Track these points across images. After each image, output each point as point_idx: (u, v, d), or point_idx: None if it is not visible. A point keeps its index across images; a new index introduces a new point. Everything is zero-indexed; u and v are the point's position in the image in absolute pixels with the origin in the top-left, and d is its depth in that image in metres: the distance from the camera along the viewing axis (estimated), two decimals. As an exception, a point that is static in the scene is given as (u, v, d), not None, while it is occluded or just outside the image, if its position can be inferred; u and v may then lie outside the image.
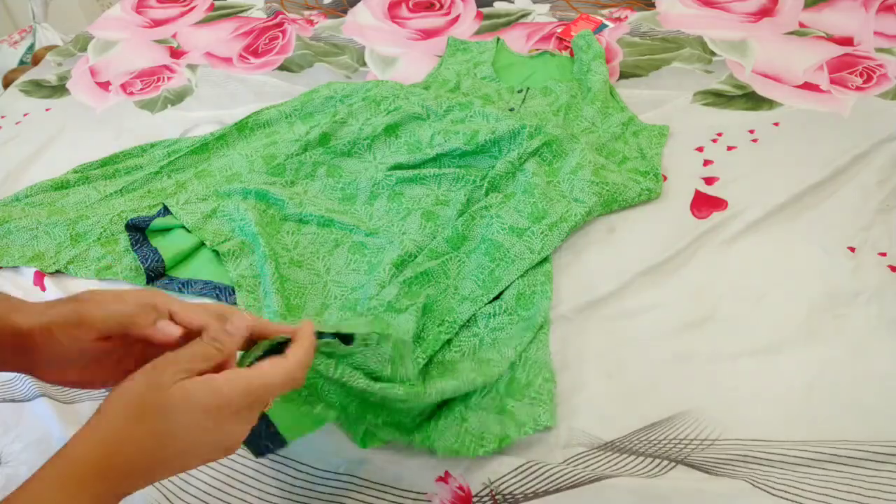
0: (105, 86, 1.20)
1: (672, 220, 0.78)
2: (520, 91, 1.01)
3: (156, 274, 0.76)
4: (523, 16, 1.25)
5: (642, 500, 0.52)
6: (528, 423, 0.57)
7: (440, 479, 0.55)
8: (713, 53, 1.07)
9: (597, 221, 0.79)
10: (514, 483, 0.54)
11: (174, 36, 1.34)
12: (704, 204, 0.79)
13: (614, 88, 1.00)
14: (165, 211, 0.82)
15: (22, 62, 1.66)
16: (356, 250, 0.77)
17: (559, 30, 1.18)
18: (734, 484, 0.53)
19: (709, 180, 0.83)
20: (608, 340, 0.66)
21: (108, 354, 0.41)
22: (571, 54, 1.09)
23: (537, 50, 1.14)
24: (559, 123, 0.91)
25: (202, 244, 0.79)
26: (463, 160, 0.87)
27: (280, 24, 1.31)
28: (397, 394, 0.50)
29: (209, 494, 0.56)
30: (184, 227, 0.80)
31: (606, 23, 1.19)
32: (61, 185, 0.91)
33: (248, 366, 0.40)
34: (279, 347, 0.41)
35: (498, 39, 1.15)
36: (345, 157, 0.91)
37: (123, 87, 1.19)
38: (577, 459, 0.56)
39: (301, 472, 0.57)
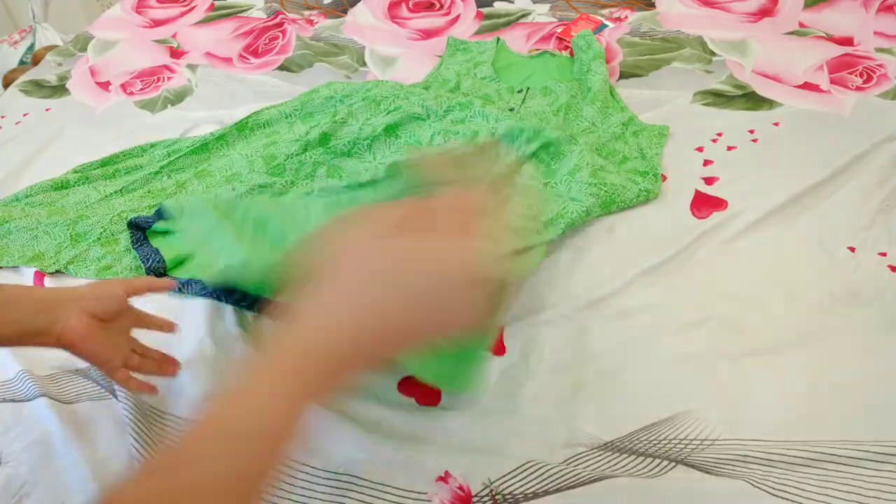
0: (105, 86, 1.20)
1: (672, 220, 0.78)
2: (520, 91, 1.01)
3: (157, 274, 0.76)
4: (523, 16, 1.25)
5: (642, 500, 0.52)
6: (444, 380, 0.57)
7: (440, 479, 0.55)
8: (713, 53, 1.07)
9: (597, 221, 0.79)
10: (515, 483, 0.54)
11: (174, 36, 1.34)
12: (704, 204, 0.79)
13: (614, 88, 1.00)
14: (158, 216, 0.81)
15: (22, 62, 1.66)
16: None
17: (559, 30, 1.18)
18: (734, 484, 0.53)
19: (709, 180, 0.83)
20: (608, 340, 0.66)
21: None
22: (571, 54, 1.09)
23: (537, 50, 1.14)
24: (559, 123, 0.91)
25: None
26: None
27: (280, 24, 1.31)
28: None
29: (209, 494, 0.56)
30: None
31: (606, 23, 1.19)
32: (61, 186, 0.91)
33: None
34: None
35: (498, 39, 1.15)
36: (345, 158, 0.91)
37: (123, 87, 1.19)
38: (577, 459, 0.56)
39: (301, 472, 0.57)
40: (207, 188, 0.88)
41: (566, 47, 1.12)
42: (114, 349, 0.55)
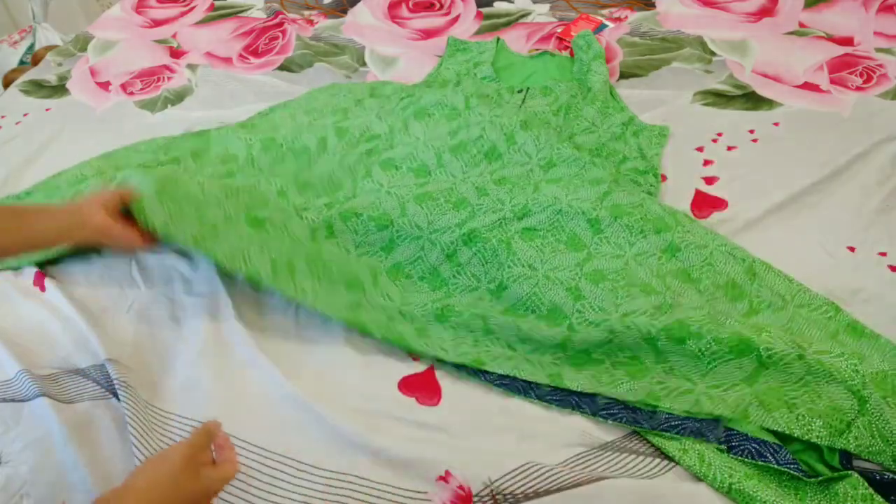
0: (105, 86, 1.20)
1: (672, 220, 0.78)
2: (520, 91, 1.01)
3: None
4: (523, 16, 1.25)
5: (642, 500, 0.52)
6: None
7: (440, 478, 0.55)
8: (713, 53, 1.07)
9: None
10: (515, 483, 0.54)
11: (174, 36, 1.34)
12: (704, 204, 0.79)
13: (614, 88, 1.00)
14: None
15: (22, 62, 1.66)
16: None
17: (559, 30, 1.18)
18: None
19: (709, 180, 0.83)
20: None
21: None
22: (571, 54, 1.09)
23: (537, 50, 1.14)
24: (559, 123, 0.91)
25: None
26: None
27: (280, 24, 1.31)
28: None
29: (209, 494, 0.56)
30: None
31: (606, 23, 1.19)
32: (59, 176, 0.92)
33: None
34: None
35: (498, 39, 1.15)
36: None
37: (123, 87, 1.19)
38: (577, 459, 0.56)
39: (301, 471, 0.57)
40: (202, 166, 0.89)
41: (566, 47, 1.12)
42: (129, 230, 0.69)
